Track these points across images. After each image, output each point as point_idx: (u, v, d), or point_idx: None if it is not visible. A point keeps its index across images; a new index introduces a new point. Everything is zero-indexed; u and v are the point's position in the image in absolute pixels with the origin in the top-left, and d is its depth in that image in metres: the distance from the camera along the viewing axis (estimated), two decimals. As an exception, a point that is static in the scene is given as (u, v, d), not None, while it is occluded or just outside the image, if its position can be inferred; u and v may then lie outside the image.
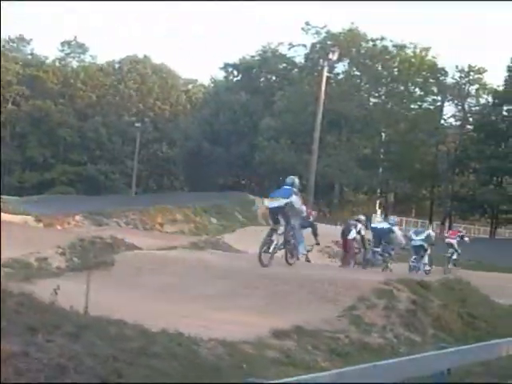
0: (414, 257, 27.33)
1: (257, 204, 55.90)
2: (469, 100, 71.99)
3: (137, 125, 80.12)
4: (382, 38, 69.74)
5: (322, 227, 48.09)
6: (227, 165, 72.96)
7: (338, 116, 64.88)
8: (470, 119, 72.60)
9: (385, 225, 27.06)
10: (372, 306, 14.96)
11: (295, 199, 17.58)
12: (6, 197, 55.16)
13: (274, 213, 17.75)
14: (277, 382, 5.32)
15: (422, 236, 27.93)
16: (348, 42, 68.75)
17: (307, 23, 69.63)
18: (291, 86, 70.62)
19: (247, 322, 14.09)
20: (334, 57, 63.04)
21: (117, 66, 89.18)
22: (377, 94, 72.84)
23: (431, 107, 72.10)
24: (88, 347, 8.27)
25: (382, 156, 71.16)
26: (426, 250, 27.56)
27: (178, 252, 22.59)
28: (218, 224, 48.78)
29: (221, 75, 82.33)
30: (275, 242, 17.61)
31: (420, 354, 8.66)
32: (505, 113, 67.08)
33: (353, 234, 25.22)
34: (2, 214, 37.78)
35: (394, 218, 30.87)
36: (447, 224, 70.86)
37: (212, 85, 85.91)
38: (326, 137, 65.91)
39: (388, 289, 15.78)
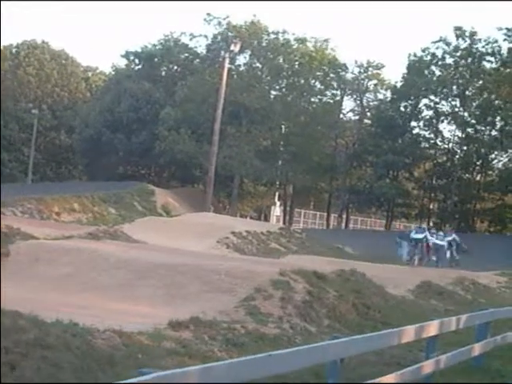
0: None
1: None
2: (367, 95, 73.29)
3: (34, 111, 78.47)
4: (284, 32, 70.27)
5: (222, 218, 48.44)
6: (127, 154, 72.20)
7: (239, 107, 65.05)
8: (368, 114, 73.95)
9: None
10: (269, 296, 15.12)
11: (428, 234, 36.91)
12: None
13: (418, 241, 36.23)
14: (170, 372, 5.34)
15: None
16: (250, 34, 68.89)
17: (209, 14, 69.43)
18: (193, 77, 70.43)
19: (144, 312, 14.08)
20: (235, 48, 63.26)
21: (14, 50, 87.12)
22: (278, 87, 73.22)
23: (331, 101, 73.04)
24: (-21, 338, 8.11)
25: (281, 148, 71.60)
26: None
27: (75, 242, 22.33)
28: (117, 214, 48.30)
29: (122, 63, 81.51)
30: (415, 256, 36.09)
31: (314, 344, 8.81)
32: (402, 109, 68.45)
33: (431, 240, 36.92)
34: None
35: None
36: (344, 216, 72.06)
37: (113, 72, 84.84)
38: (227, 128, 66.02)
39: (284, 280, 15.98)
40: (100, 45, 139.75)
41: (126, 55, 79.03)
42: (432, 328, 10.40)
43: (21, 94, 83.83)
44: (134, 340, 10.72)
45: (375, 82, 72.36)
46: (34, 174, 78.08)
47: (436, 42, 65.46)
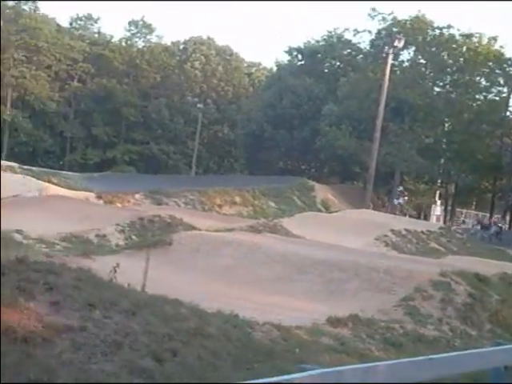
0: None
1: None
2: (536, 92, 70.60)
3: (199, 106, 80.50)
4: (449, 26, 68.59)
5: (381, 216, 47.97)
6: (288, 149, 72.82)
7: (401, 104, 64.13)
8: (537, 112, 71.18)
9: None
10: (428, 297, 14.82)
11: None
12: (67, 173, 55.90)
13: None
14: (329, 369, 5.31)
15: None
16: (414, 30, 67.79)
17: (373, 9, 68.87)
18: (355, 73, 70.11)
19: (302, 307, 14.12)
20: (399, 44, 62.36)
21: (182, 46, 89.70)
22: (441, 83, 71.73)
23: (497, 98, 70.79)
24: (144, 325, 8.37)
25: (444, 146, 70.05)
26: None
27: (236, 234, 22.66)
28: (277, 208, 48.73)
29: (285, 59, 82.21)
30: None
31: (476, 349, 8.55)
32: None
33: None
34: (62, 189, 38.40)
35: None
36: (508, 218, 69.75)
37: (276, 68, 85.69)
38: (388, 124, 65.28)
39: (445, 281, 15.60)
40: (264, 41, 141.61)
41: (289, 51, 79.72)
42: None
43: (187, 88, 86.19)
44: (292, 334, 10.77)
45: (545, 79, 69.50)
46: (197, 167, 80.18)
47: None
